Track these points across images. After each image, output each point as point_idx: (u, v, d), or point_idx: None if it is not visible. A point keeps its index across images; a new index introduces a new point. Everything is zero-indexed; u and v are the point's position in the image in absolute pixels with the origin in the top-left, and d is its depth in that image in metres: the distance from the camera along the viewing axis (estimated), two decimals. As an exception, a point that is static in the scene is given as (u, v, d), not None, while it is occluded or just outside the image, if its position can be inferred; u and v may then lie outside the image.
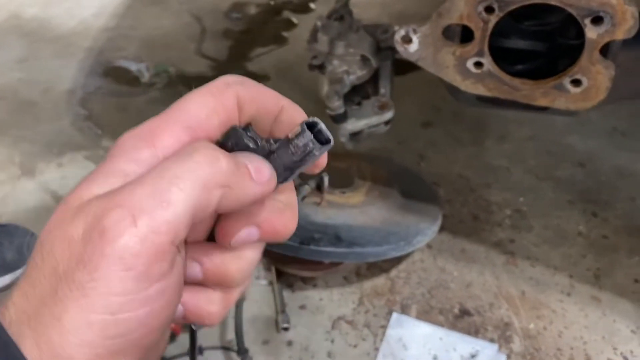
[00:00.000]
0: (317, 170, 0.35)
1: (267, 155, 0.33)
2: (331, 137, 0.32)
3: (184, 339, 1.00)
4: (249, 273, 0.35)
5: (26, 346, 0.27)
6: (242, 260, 0.34)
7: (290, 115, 0.35)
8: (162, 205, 0.28)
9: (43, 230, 0.30)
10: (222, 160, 0.30)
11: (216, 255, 0.33)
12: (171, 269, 0.29)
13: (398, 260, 1.16)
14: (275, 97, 0.35)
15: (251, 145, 0.33)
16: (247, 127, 0.34)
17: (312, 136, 0.31)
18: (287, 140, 0.32)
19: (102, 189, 0.29)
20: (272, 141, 0.33)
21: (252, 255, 0.34)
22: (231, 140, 0.33)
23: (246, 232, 0.33)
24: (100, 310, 0.27)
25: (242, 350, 0.95)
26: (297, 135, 0.32)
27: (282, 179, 0.33)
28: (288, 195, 0.35)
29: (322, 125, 0.32)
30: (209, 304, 0.34)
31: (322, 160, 0.34)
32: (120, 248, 0.27)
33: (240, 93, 0.34)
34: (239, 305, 0.99)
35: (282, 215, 0.34)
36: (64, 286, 0.27)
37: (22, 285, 0.29)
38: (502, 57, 0.85)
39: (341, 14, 1.08)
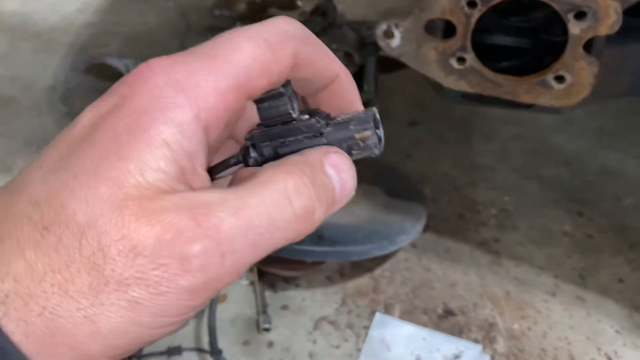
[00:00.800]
0: None
1: (314, 135, 0.29)
2: (383, 136, 0.30)
3: (161, 339, 0.98)
4: None
5: (24, 333, 0.24)
6: None
7: (343, 88, 0.32)
8: (253, 250, 0.26)
9: (72, 198, 0.25)
10: (316, 213, 0.28)
11: None
12: None
13: (382, 259, 1.14)
14: (334, 62, 0.31)
15: (293, 115, 0.29)
16: (286, 85, 0.30)
17: (377, 138, 0.29)
18: (347, 130, 0.29)
19: (159, 177, 0.25)
20: (320, 120, 0.29)
21: None
22: (271, 103, 0.29)
23: None
24: (144, 324, 0.25)
25: (215, 351, 0.93)
26: (364, 139, 0.29)
27: None
28: None
29: (378, 117, 0.30)
30: None
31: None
32: (198, 284, 0.25)
33: (299, 51, 0.29)
34: (212, 304, 0.97)
35: None
36: (112, 294, 0.24)
37: (29, 258, 0.24)
38: (487, 54, 0.84)
39: (324, 10, 1.07)
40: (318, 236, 1.02)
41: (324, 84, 0.32)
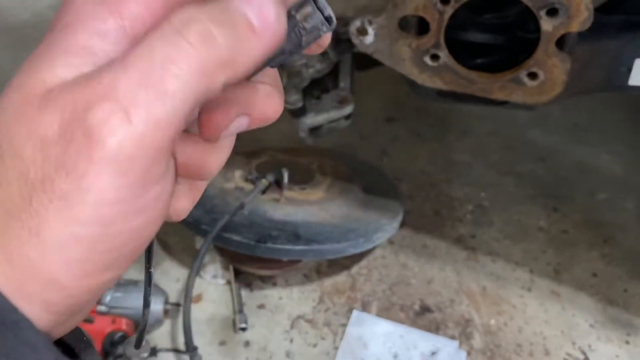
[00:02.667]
0: (320, 51, 0.30)
1: None
2: (333, 15, 0.27)
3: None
4: (223, 164, 0.30)
5: None
6: (222, 151, 0.29)
7: None
8: (159, 96, 0.23)
9: None
10: (217, 36, 0.24)
11: (193, 147, 0.28)
12: (167, 169, 0.25)
13: (359, 256, 1.14)
14: None
15: None
16: None
17: (322, 17, 0.27)
18: (291, 20, 0.26)
19: (68, 71, 0.24)
20: None
21: (230, 144, 0.30)
22: None
23: (237, 122, 0.28)
24: (90, 222, 0.23)
25: (190, 348, 0.92)
26: (306, 17, 0.26)
27: (275, 63, 0.28)
28: (274, 74, 0.30)
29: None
30: (177, 200, 0.29)
31: (325, 39, 0.29)
32: (113, 150, 0.22)
33: None
34: (187, 302, 0.96)
35: (272, 99, 0.29)
36: (41, 196, 0.23)
37: None
38: (462, 51, 0.83)
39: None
40: (294, 234, 1.01)
41: None
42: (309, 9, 0.27)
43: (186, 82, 0.23)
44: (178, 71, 0.23)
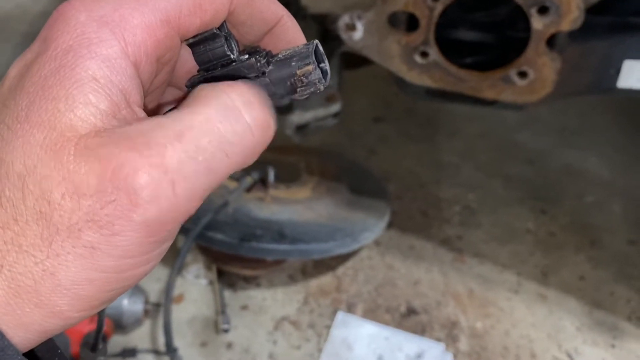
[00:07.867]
0: None
1: (257, 76, 0.28)
2: (329, 70, 0.28)
3: (115, 340, 0.94)
4: None
5: None
6: None
7: (288, 31, 0.30)
8: (207, 173, 0.24)
9: (9, 149, 0.23)
10: (272, 127, 0.26)
11: None
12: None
13: (345, 257, 1.12)
14: (275, 4, 0.30)
15: (232, 56, 0.28)
16: (221, 26, 0.28)
17: (320, 73, 0.27)
18: (289, 68, 0.27)
19: (90, 112, 0.23)
20: (260, 59, 0.28)
21: None
22: (206, 45, 0.28)
23: None
24: (108, 269, 0.24)
25: (170, 349, 0.90)
26: (306, 74, 0.27)
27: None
28: None
29: (321, 50, 0.28)
30: None
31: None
32: (152, 217, 0.23)
33: None
34: (167, 302, 0.93)
35: None
36: (65, 240, 0.23)
37: None
38: (452, 49, 0.82)
39: (287, 2, 1.04)
40: (279, 234, 0.99)
41: (267, 27, 0.30)
42: (310, 67, 0.27)
43: (231, 163, 0.24)
44: (231, 153, 0.24)
